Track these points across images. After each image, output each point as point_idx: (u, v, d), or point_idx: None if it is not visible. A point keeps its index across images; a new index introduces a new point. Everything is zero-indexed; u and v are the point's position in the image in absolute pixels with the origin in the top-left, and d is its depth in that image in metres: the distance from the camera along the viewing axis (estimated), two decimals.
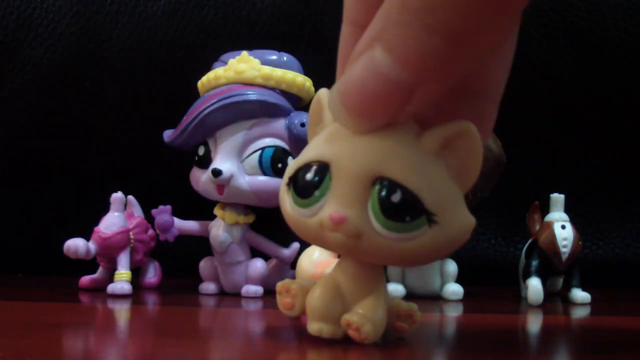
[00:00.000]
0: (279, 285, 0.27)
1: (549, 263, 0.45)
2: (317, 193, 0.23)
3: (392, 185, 0.22)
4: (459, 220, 0.23)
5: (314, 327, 0.25)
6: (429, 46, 0.19)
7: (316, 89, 0.46)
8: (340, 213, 0.22)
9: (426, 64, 0.20)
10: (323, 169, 0.23)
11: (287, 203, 0.24)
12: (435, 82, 0.21)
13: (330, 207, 0.23)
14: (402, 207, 0.22)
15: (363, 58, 0.21)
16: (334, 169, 0.23)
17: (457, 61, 0.20)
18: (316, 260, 0.32)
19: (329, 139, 0.24)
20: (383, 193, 0.22)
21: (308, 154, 0.24)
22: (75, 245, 0.42)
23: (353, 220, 0.22)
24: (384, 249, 0.23)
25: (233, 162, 0.44)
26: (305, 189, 0.23)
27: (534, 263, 0.45)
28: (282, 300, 0.27)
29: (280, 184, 0.25)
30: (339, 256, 0.33)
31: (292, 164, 0.25)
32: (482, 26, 0.19)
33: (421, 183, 0.22)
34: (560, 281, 0.49)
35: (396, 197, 0.22)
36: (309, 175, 0.23)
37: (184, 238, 0.47)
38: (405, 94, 0.21)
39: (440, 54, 0.20)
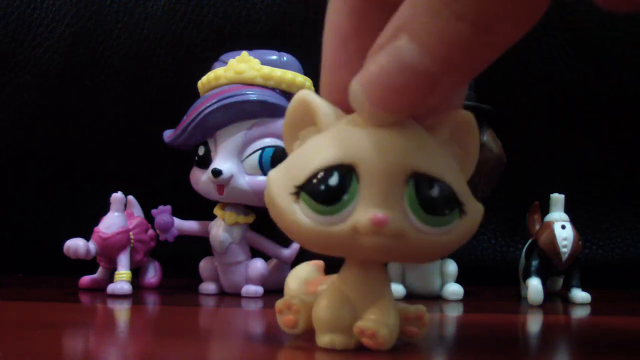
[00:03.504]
0: (279, 303, 0.26)
1: (549, 263, 0.45)
2: (345, 197, 0.22)
3: (429, 180, 0.22)
4: (475, 208, 0.23)
5: (324, 339, 0.24)
6: (458, 34, 0.19)
7: (316, 89, 0.46)
8: (382, 214, 0.21)
9: (454, 53, 0.20)
10: (348, 171, 0.22)
11: (299, 214, 0.22)
12: (461, 71, 0.20)
13: (364, 210, 0.22)
14: (441, 201, 0.22)
15: (387, 49, 0.20)
16: (362, 170, 0.22)
17: (486, 49, 0.20)
18: (305, 279, 0.31)
19: (341, 142, 0.22)
20: (422, 189, 0.22)
21: (317, 159, 0.22)
22: (75, 245, 0.42)
23: (395, 221, 0.21)
24: (424, 247, 0.22)
25: (233, 162, 0.44)
26: (330, 194, 0.22)
27: (534, 263, 0.45)
28: (283, 319, 0.26)
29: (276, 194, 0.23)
30: (325, 272, 0.32)
31: (290, 171, 0.23)
32: (512, 13, 0.19)
33: (450, 174, 0.22)
34: (560, 281, 0.49)
35: (435, 192, 0.22)
36: (333, 180, 0.22)
37: (184, 238, 0.47)
38: (431, 84, 0.20)
39: (468, 42, 0.19)
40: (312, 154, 0.23)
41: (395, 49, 0.20)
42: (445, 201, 0.22)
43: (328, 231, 0.22)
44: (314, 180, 0.22)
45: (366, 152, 0.22)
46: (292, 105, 0.25)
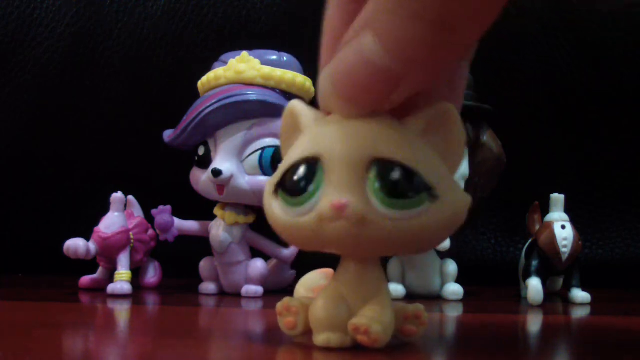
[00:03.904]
0: (279, 306, 0.26)
1: (549, 263, 0.45)
2: (311, 188, 0.23)
3: (389, 164, 0.22)
4: (457, 196, 0.23)
5: (321, 338, 0.24)
6: (416, 34, 0.19)
7: (316, 89, 0.46)
8: (342, 199, 0.22)
9: (414, 53, 0.20)
10: (313, 163, 0.23)
11: (277, 209, 0.24)
12: (422, 71, 0.21)
13: (328, 197, 0.22)
14: (403, 183, 0.22)
15: (354, 44, 0.21)
16: (326, 160, 0.23)
17: (445, 50, 0.20)
18: (312, 287, 0.31)
19: (312, 138, 0.24)
20: (382, 173, 0.22)
21: (291, 158, 0.24)
22: (75, 245, 0.42)
23: (355, 205, 0.22)
24: (389, 232, 0.22)
25: (233, 162, 0.44)
26: (297, 185, 0.23)
27: (534, 263, 0.45)
28: (284, 321, 0.26)
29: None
30: None
31: (275, 175, 0.24)
32: (468, 13, 0.19)
33: (416, 160, 0.22)
34: (560, 281, 0.49)
35: (395, 175, 0.22)
36: (300, 172, 0.23)
37: (184, 238, 0.47)
38: (393, 83, 0.21)
39: (426, 42, 0.19)
40: (290, 155, 0.24)
41: (359, 45, 0.20)
42: (407, 183, 0.22)
43: (299, 222, 0.23)
44: (286, 176, 0.24)
45: (330, 143, 0.23)
46: (283, 116, 0.26)
